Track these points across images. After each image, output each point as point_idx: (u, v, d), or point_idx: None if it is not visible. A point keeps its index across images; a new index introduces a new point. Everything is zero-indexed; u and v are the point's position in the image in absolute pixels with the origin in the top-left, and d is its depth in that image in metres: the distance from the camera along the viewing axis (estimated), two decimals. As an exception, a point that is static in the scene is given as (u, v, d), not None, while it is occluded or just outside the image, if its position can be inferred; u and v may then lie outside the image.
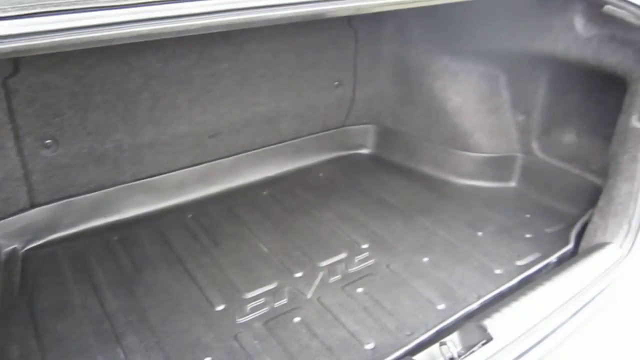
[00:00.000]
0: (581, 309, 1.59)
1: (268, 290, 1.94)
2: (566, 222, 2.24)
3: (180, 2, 1.03)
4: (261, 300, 1.89)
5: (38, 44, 0.93)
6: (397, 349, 1.57)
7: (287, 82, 2.63)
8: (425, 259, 2.10)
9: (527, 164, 2.60)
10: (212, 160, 2.57)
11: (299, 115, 2.77)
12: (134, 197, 2.38)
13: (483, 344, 1.41)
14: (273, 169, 2.77)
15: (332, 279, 2.00)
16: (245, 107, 2.54)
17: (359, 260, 2.10)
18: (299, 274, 2.03)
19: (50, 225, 2.21)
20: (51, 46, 0.93)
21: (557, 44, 2.16)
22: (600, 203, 1.99)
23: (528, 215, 2.38)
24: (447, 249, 2.17)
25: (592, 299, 1.63)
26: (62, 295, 1.91)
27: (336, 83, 2.83)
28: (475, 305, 1.80)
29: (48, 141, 2.08)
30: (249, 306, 1.86)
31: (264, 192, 2.61)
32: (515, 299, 1.60)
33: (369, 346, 1.69)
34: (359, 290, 1.94)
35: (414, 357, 1.42)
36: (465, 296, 1.89)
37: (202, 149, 2.51)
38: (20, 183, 2.08)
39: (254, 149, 2.70)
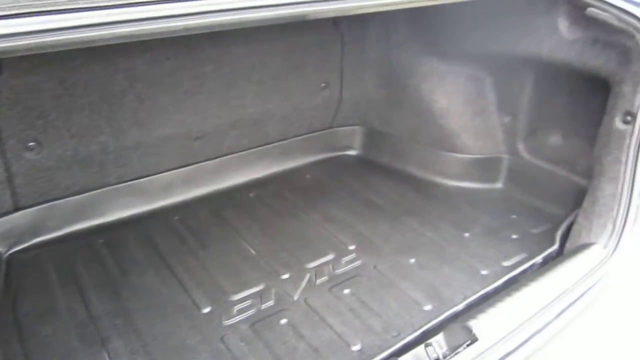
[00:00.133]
0: (566, 309, 1.59)
1: (255, 292, 1.93)
2: (552, 222, 2.26)
3: (163, 3, 1.02)
4: (248, 302, 1.88)
5: (19, 45, 0.92)
6: (384, 350, 1.57)
7: (273, 84, 2.63)
8: (412, 260, 2.11)
9: (513, 165, 2.61)
10: (198, 162, 2.56)
11: (285, 117, 2.77)
12: (120, 199, 2.37)
13: (468, 345, 1.41)
14: (260, 171, 2.76)
15: (319, 281, 2.00)
16: (232, 109, 2.54)
17: (346, 262, 2.10)
18: (285, 276, 2.02)
19: (35, 229, 2.19)
20: (32, 47, 0.92)
21: (542, 46, 2.17)
22: (585, 204, 2.00)
23: (514, 216, 2.39)
24: (434, 250, 2.17)
25: (577, 299, 1.64)
26: (46, 299, 1.89)
27: (323, 85, 2.84)
28: (461, 306, 1.81)
29: (31, 143, 2.06)
30: (236, 308, 1.85)
31: (251, 194, 2.60)
32: (500, 300, 1.61)
33: (356, 347, 1.69)
34: (346, 291, 1.94)
35: (400, 358, 1.42)
36: (451, 297, 1.90)
37: (188, 151, 2.50)
38: (3, 186, 2.06)
39: (241, 151, 2.69)
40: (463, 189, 2.65)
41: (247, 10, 1.12)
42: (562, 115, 2.48)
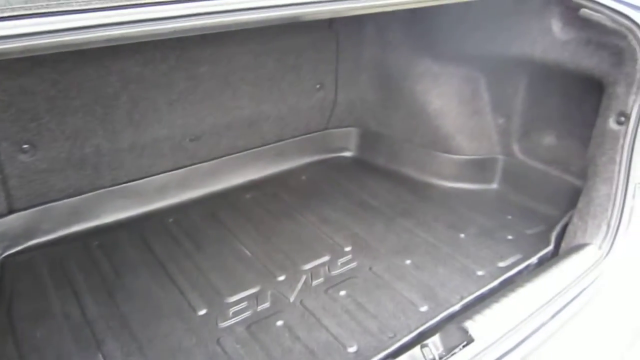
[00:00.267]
0: (561, 309, 1.59)
1: (250, 294, 1.93)
2: (547, 223, 2.26)
3: (156, 5, 1.02)
4: (243, 304, 1.88)
5: (11, 48, 0.92)
6: (380, 352, 1.57)
7: (268, 85, 2.62)
8: (408, 261, 2.11)
9: (508, 166, 2.62)
10: (193, 164, 2.55)
11: (280, 119, 2.76)
12: (114, 201, 2.36)
13: (464, 346, 1.41)
14: (255, 172, 2.76)
15: (314, 282, 2.00)
16: (226, 110, 2.53)
17: (342, 263, 2.10)
18: (281, 278, 2.02)
19: (29, 231, 2.18)
20: (24, 50, 0.92)
21: (535, 47, 2.18)
22: (580, 204, 2.01)
23: (509, 217, 2.40)
24: (430, 251, 2.17)
25: (572, 300, 1.64)
26: (41, 302, 1.88)
27: (318, 86, 2.83)
28: (457, 307, 1.82)
29: (25, 146, 2.05)
30: (231, 310, 1.85)
31: (247, 196, 2.60)
32: (496, 300, 1.61)
33: (352, 349, 1.69)
34: (342, 293, 1.94)
35: (396, 360, 1.42)
36: (447, 298, 1.90)
37: (183, 153, 2.49)
38: (-3, 189, 2.05)
39: (236, 153, 2.68)
40: (458, 190, 2.65)
41: (241, 12, 1.12)
42: (557, 116, 2.49)
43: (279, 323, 1.80)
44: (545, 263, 1.92)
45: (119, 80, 2.16)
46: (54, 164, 2.14)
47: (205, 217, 2.41)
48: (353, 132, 3.06)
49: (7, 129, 1.99)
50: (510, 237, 2.25)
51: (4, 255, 2.11)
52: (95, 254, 2.14)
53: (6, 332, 1.74)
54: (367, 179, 2.79)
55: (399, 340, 1.65)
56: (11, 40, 0.93)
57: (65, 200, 2.24)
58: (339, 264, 2.10)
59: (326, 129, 3.01)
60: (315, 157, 2.98)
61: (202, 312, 1.85)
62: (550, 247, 2.07)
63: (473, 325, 1.48)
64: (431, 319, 1.74)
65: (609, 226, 1.89)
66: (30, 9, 0.92)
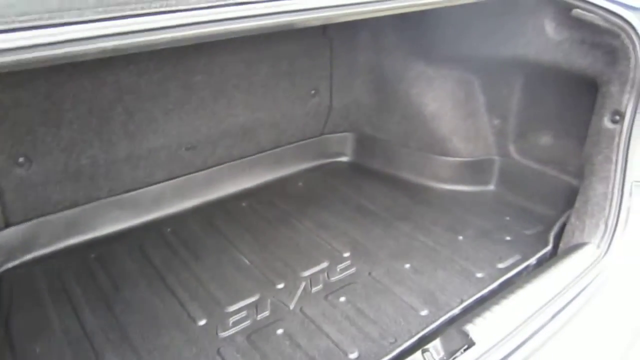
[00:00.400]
0: (561, 310, 1.60)
1: (250, 303, 1.92)
2: (545, 223, 2.26)
3: (148, 15, 1.02)
4: (243, 314, 1.87)
5: (2, 62, 0.91)
6: (381, 357, 1.57)
7: (262, 93, 2.62)
8: (407, 265, 2.10)
9: (505, 167, 2.62)
10: (189, 173, 2.55)
11: (275, 125, 2.76)
12: (111, 213, 2.35)
13: (465, 350, 1.41)
14: (252, 180, 2.75)
15: (314, 289, 1.99)
16: (221, 118, 2.53)
17: (341, 269, 2.09)
18: (280, 285, 2.01)
19: (26, 245, 2.16)
20: (16, 64, 0.92)
21: (529, 47, 2.19)
22: (577, 204, 2.01)
23: (507, 218, 2.40)
24: (428, 254, 2.17)
25: (572, 300, 1.64)
26: (39, 316, 1.87)
27: (312, 92, 2.83)
28: (457, 310, 1.81)
29: (21, 159, 2.04)
30: (231, 320, 1.84)
31: (243, 204, 2.59)
32: (496, 303, 1.61)
33: (353, 355, 1.68)
34: (342, 299, 1.93)
35: (397, 365, 1.42)
36: (447, 301, 1.89)
37: (179, 162, 2.49)
38: (-7, 203, 2.04)
39: (232, 161, 2.68)
40: (455, 192, 2.65)
41: (234, 21, 1.12)
42: (552, 116, 2.49)
43: (279, 331, 1.79)
44: (544, 263, 1.92)
45: (113, 91, 2.16)
46: (49, 177, 2.13)
47: (203, 226, 2.40)
48: (349, 137, 3.06)
49: (2, 143, 1.98)
50: (508, 238, 2.25)
51: (1, 270, 2.10)
52: (93, 266, 2.13)
53: (5, 348, 1.73)
54: (364, 183, 2.79)
55: (400, 345, 1.64)
56: (3, 54, 0.92)
57: (61, 213, 2.23)
58: (338, 270, 2.09)
59: (322, 134, 3.01)
60: (312, 163, 2.98)
61: (202, 322, 1.84)
62: (549, 247, 2.07)
63: (474, 328, 1.48)
64: (432, 323, 1.74)
65: (606, 225, 1.89)
66: (22, 22, 0.92)
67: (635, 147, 1.89)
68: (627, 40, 1.83)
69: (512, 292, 1.66)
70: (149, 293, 1.97)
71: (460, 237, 2.27)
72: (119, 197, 2.36)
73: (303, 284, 2.02)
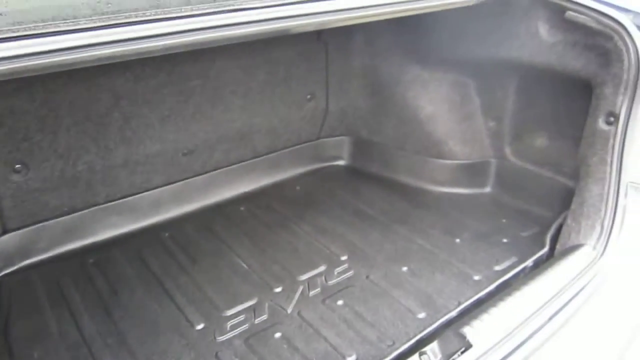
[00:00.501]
0: (558, 311, 1.60)
1: (248, 307, 1.93)
2: (541, 225, 2.27)
3: (144, 23, 1.02)
4: (241, 317, 1.87)
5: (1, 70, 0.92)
6: (379, 360, 1.57)
7: (258, 98, 2.63)
8: (404, 268, 2.11)
9: (501, 169, 2.63)
10: (186, 178, 2.55)
11: (272, 130, 2.77)
12: (109, 218, 2.35)
13: (462, 352, 1.42)
14: (249, 184, 2.76)
15: (312, 293, 1.99)
16: (218, 123, 2.54)
17: (338, 273, 2.10)
18: (278, 289, 2.02)
19: (24, 251, 2.17)
20: (13, 72, 0.92)
21: (523, 50, 2.20)
22: (573, 206, 2.02)
23: (504, 220, 2.41)
24: (426, 257, 2.18)
25: (569, 301, 1.65)
26: (38, 322, 1.87)
27: (309, 96, 2.84)
28: (454, 313, 1.82)
29: (18, 166, 2.05)
30: (229, 324, 1.84)
31: (241, 208, 2.59)
32: (493, 305, 1.61)
33: (351, 358, 1.68)
34: (339, 302, 1.94)
35: (395, 368, 1.42)
36: (445, 304, 1.90)
37: (176, 167, 2.49)
38: (-10, 209, 2.04)
39: (229, 165, 2.69)
40: (452, 195, 2.66)
41: (229, 28, 1.13)
42: (547, 118, 2.50)
43: (277, 335, 1.79)
44: (540, 265, 1.93)
45: (110, 97, 2.16)
46: (47, 183, 2.14)
47: (201, 231, 2.40)
48: (345, 140, 3.06)
49: None
50: (505, 240, 2.26)
51: (-1, 276, 2.10)
52: (91, 271, 2.13)
53: (4, 353, 1.73)
54: (361, 187, 2.79)
55: (397, 348, 1.65)
56: (1, 63, 0.93)
57: (59, 219, 2.23)
58: (335, 273, 2.10)
59: (318, 138, 3.02)
60: (309, 167, 2.98)
61: (200, 326, 1.84)
62: (546, 249, 2.08)
63: (471, 331, 1.49)
64: (429, 326, 1.74)
65: (602, 226, 1.90)
66: (18, 31, 0.92)
67: (630, 149, 1.90)
68: (620, 42, 1.84)
69: (509, 294, 1.66)
70: (147, 298, 1.97)
71: (458, 240, 2.28)
72: (116, 202, 2.36)
73: (301, 287, 2.02)
